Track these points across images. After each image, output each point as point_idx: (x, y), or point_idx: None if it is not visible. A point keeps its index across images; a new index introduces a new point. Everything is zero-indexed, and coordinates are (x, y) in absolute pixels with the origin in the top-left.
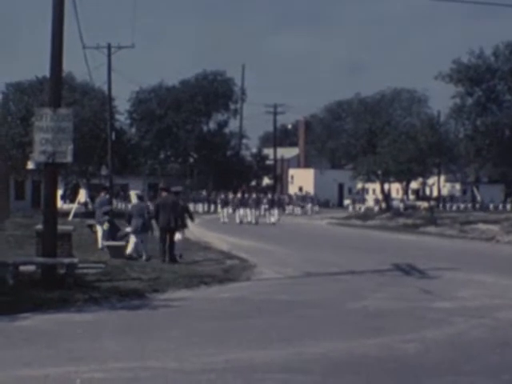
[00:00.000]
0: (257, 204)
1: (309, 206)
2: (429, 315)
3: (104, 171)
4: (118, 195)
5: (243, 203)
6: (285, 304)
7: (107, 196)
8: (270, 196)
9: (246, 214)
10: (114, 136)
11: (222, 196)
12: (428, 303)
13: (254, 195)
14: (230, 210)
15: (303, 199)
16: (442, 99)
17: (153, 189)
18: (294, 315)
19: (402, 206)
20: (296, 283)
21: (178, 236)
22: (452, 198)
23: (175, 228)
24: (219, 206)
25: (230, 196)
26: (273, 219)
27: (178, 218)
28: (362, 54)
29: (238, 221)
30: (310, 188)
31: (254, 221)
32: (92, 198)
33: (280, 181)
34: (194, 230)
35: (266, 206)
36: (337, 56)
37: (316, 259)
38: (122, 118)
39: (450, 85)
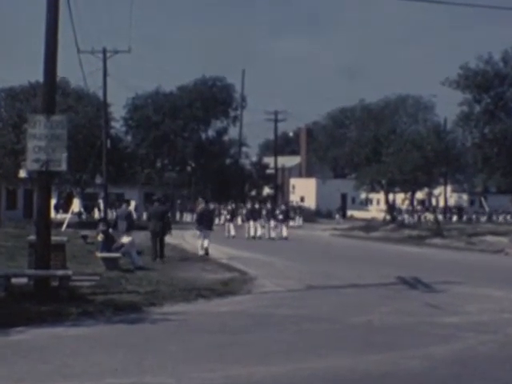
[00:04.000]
0: (271, 216)
1: (297, 218)
2: (435, 330)
3: (99, 180)
4: (113, 205)
5: (254, 215)
6: (286, 318)
7: (129, 208)
8: (282, 207)
9: (257, 227)
10: (109, 143)
11: (229, 207)
12: (434, 318)
13: (268, 205)
14: (239, 222)
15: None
16: (449, 106)
17: (149, 198)
18: (295, 330)
19: (407, 217)
20: (298, 297)
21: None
22: (459, 208)
23: (163, 233)
24: (222, 218)
25: (233, 207)
26: (285, 233)
27: (165, 224)
28: (366, 59)
29: (247, 235)
30: (312, 198)
31: (268, 235)
32: (86, 207)
33: (281, 191)
34: (191, 241)
35: (281, 217)
36: (339, 61)
37: (318, 272)
38: (117, 125)
39: (458, 91)
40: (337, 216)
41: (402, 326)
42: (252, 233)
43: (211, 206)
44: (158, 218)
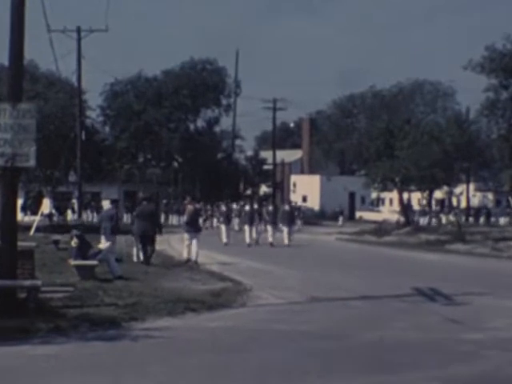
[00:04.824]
0: (274, 218)
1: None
2: (456, 348)
3: (72, 177)
4: (88, 206)
5: (252, 217)
6: (286, 335)
7: (115, 209)
8: (286, 207)
9: (259, 231)
10: (83, 136)
11: (224, 208)
12: (455, 334)
13: (270, 207)
14: (236, 227)
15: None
16: (472, 93)
17: (130, 198)
18: (296, 348)
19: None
20: (299, 310)
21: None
22: (487, 209)
23: (152, 235)
24: (215, 220)
25: (230, 207)
26: (286, 240)
27: (154, 226)
28: (377, 40)
29: (247, 241)
30: (315, 197)
31: (271, 239)
32: (58, 208)
33: (280, 189)
34: (178, 246)
35: (284, 222)
36: (346, 43)
37: (323, 281)
38: (93, 115)
39: (482, 76)
40: (340, 218)
41: (418, 343)
42: (248, 239)
43: (196, 205)
44: (146, 219)
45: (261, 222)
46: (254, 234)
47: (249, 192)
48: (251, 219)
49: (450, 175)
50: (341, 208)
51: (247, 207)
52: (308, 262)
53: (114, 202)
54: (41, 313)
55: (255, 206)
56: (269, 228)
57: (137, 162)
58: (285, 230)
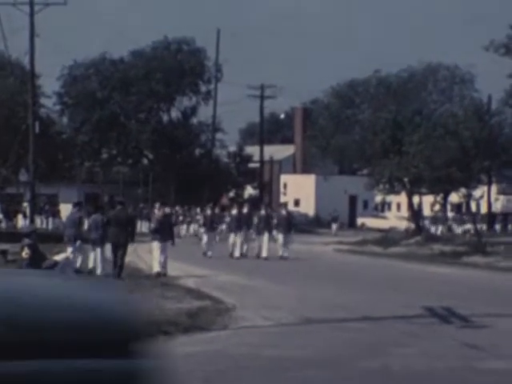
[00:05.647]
0: (267, 225)
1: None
2: (475, 379)
3: (23, 176)
4: (42, 210)
5: (240, 225)
6: (275, 362)
7: (80, 213)
8: (283, 212)
9: (248, 242)
10: (37, 128)
11: (208, 211)
12: (474, 362)
13: (262, 211)
14: (216, 237)
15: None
16: (494, 79)
17: (91, 201)
18: (287, 378)
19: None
20: (290, 333)
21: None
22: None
23: (125, 244)
24: (197, 227)
25: (211, 212)
26: (281, 251)
27: (128, 234)
28: (381, 18)
29: (236, 254)
30: (310, 201)
31: (264, 253)
32: (6, 212)
33: (268, 191)
34: (147, 258)
35: (280, 229)
36: (346, 20)
37: (318, 299)
38: (49, 103)
39: (506, 59)
40: (334, 226)
41: (429, 372)
42: (237, 251)
43: (166, 210)
44: (120, 226)
45: (249, 229)
46: (241, 246)
47: (231, 194)
48: (239, 226)
49: (468, 175)
50: (334, 214)
51: (233, 212)
52: (300, 277)
53: (76, 204)
54: None
55: (244, 211)
56: (264, 238)
57: (100, 159)
58: (280, 238)
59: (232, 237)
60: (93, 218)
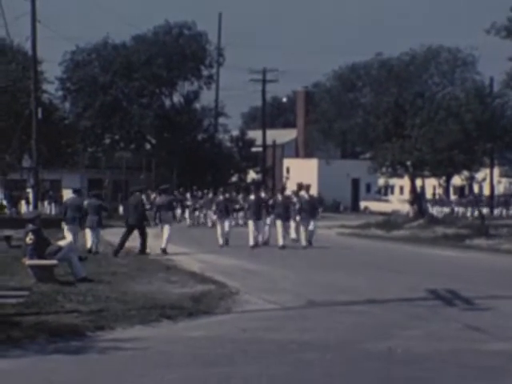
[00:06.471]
0: (287, 211)
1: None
2: (479, 361)
3: (27, 163)
4: (46, 196)
5: (258, 210)
6: (280, 345)
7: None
8: (306, 196)
9: (268, 229)
10: (40, 113)
11: (221, 197)
12: (478, 344)
13: (279, 197)
14: (240, 221)
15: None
16: (496, 61)
17: (95, 186)
18: (291, 361)
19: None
20: (295, 316)
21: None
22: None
23: (138, 225)
24: (209, 214)
25: (229, 197)
26: (304, 241)
27: (139, 216)
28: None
29: (251, 243)
30: (313, 185)
31: (281, 241)
32: (10, 198)
33: (271, 175)
34: (151, 243)
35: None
36: (349, 3)
37: (322, 283)
38: (51, 89)
39: (508, 41)
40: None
41: (434, 355)
42: (254, 239)
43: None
44: (132, 210)
45: (268, 215)
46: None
47: (234, 178)
48: (257, 212)
49: (470, 158)
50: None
51: (252, 197)
52: (305, 261)
53: (76, 191)
54: None
55: (279, 197)
56: (291, 224)
57: (103, 145)
58: (303, 226)
59: (251, 224)
60: (89, 202)
